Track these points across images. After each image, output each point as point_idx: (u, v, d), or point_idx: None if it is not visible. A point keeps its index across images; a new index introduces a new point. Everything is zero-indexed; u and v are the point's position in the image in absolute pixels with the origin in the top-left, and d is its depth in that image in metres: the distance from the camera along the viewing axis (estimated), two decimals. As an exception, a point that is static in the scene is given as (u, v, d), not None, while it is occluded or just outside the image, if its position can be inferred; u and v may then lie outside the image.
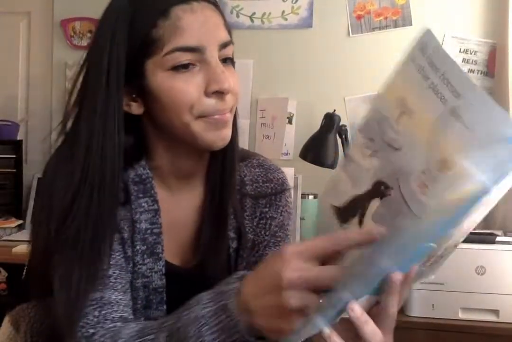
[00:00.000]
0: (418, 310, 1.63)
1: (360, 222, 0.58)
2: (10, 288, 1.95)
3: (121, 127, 0.75)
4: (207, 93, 0.74)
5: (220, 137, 0.76)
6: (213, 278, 0.81)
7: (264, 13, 2.30)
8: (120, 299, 0.74)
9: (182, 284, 0.82)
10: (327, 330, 0.53)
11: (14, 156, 2.33)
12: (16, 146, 2.35)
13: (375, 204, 0.55)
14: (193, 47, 0.72)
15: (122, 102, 0.75)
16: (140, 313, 0.79)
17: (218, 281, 0.82)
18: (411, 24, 2.19)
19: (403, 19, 2.20)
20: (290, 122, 2.28)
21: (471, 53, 2.15)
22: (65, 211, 0.73)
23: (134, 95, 0.77)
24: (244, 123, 2.29)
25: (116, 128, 0.74)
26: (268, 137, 2.30)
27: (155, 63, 0.73)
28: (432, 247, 0.50)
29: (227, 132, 0.77)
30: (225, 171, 0.84)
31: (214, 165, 0.85)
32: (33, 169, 2.39)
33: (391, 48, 2.20)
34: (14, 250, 1.95)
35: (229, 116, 0.77)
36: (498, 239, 1.70)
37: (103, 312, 0.72)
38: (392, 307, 0.54)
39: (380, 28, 2.22)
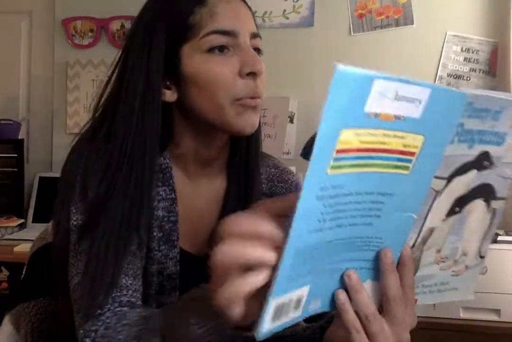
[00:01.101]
0: (419, 310, 1.62)
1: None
2: (11, 287, 1.95)
3: (159, 113, 0.78)
4: (241, 75, 0.76)
5: (250, 123, 0.78)
6: None
7: (266, 12, 2.30)
8: (130, 284, 0.74)
9: (196, 271, 0.82)
10: (342, 295, 0.52)
11: (16, 155, 2.33)
12: (18, 145, 2.35)
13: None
14: (228, 31, 0.76)
15: (161, 89, 0.78)
16: (153, 298, 0.80)
17: None
18: (412, 23, 2.19)
19: (404, 18, 2.20)
20: (291, 121, 2.28)
21: (472, 52, 2.15)
22: (105, 189, 0.75)
23: (168, 83, 0.79)
24: (245, 123, 2.29)
25: (155, 113, 0.77)
26: (269, 136, 2.30)
27: (191, 47, 0.77)
28: (413, 217, 0.53)
29: (256, 118, 0.79)
30: (249, 159, 0.86)
31: (236, 154, 0.86)
32: (34, 169, 2.40)
33: (392, 47, 2.19)
34: (16, 249, 1.95)
35: (258, 103, 0.79)
36: (499, 238, 1.70)
37: (113, 295, 0.72)
38: (390, 289, 0.54)
39: (381, 27, 2.22)
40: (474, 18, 2.14)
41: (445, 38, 2.16)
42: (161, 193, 0.82)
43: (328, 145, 0.44)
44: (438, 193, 0.54)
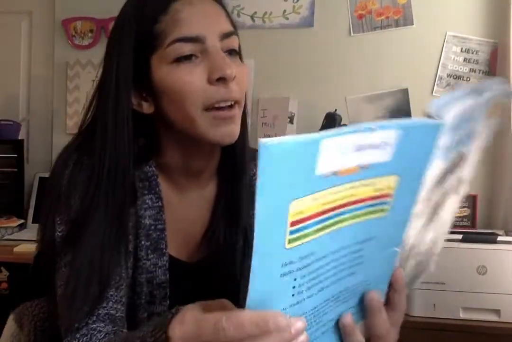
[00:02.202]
0: (419, 310, 1.63)
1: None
2: (11, 287, 1.95)
3: (130, 125, 0.76)
4: (210, 81, 0.74)
5: (226, 133, 0.75)
6: (218, 274, 0.82)
7: (265, 13, 2.30)
8: (111, 295, 0.74)
9: (187, 279, 0.83)
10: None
11: (16, 155, 2.33)
12: (18, 145, 2.35)
13: None
14: (192, 37, 0.74)
15: (131, 101, 0.77)
16: (144, 308, 0.80)
17: (223, 277, 0.82)
18: (412, 24, 2.19)
19: (404, 19, 2.20)
20: (291, 122, 2.28)
21: (472, 53, 2.15)
22: (87, 203, 0.75)
23: (144, 94, 0.78)
24: (245, 123, 2.29)
25: (126, 126, 0.76)
26: (269, 137, 2.29)
27: (159, 57, 0.75)
28: (396, 250, 0.53)
29: (234, 128, 0.76)
30: (236, 169, 0.85)
31: (225, 163, 0.85)
32: (34, 169, 2.40)
33: (392, 47, 2.19)
34: (16, 249, 1.95)
35: (235, 112, 0.76)
36: (499, 238, 1.70)
37: (90, 305, 0.72)
38: (380, 327, 0.57)
39: (381, 27, 2.22)
40: (474, 18, 2.14)
41: (445, 39, 2.17)
42: (147, 201, 0.81)
43: (275, 223, 0.42)
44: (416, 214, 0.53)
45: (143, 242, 0.80)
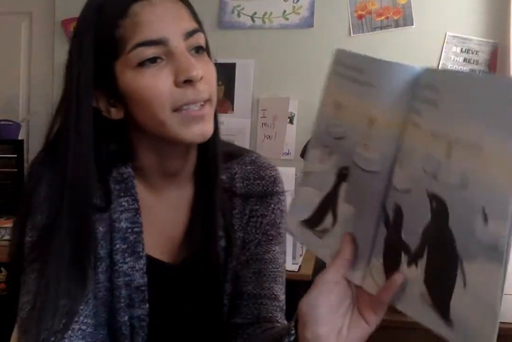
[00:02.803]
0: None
1: (334, 215, 0.63)
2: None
3: (91, 136, 0.75)
4: (177, 84, 0.72)
5: (198, 132, 0.74)
6: (200, 276, 0.81)
7: (265, 13, 2.30)
8: (81, 309, 0.74)
9: (168, 282, 0.82)
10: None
11: (15, 156, 2.34)
12: (18, 146, 2.36)
13: (343, 189, 0.62)
14: (154, 40, 0.71)
15: (91, 108, 0.75)
16: (124, 311, 0.79)
17: (206, 278, 0.81)
18: (412, 24, 2.19)
19: (404, 19, 2.20)
20: (291, 122, 2.28)
21: (472, 53, 2.15)
22: (50, 218, 0.74)
23: (112, 101, 0.76)
24: (245, 123, 2.29)
25: (87, 137, 0.75)
26: (269, 137, 2.30)
27: (122, 63, 0.73)
28: None
29: (206, 127, 0.74)
30: (208, 168, 0.83)
31: (200, 163, 0.84)
32: (34, 169, 2.40)
33: (392, 48, 2.20)
34: (16, 249, 1.95)
35: (206, 111, 0.74)
36: (499, 239, 1.70)
37: (63, 321, 0.72)
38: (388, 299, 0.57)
39: (381, 28, 2.22)
40: (474, 19, 2.14)
41: (444, 39, 2.17)
42: (123, 203, 0.80)
43: None
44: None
45: (118, 246, 0.79)
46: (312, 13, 2.27)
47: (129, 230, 0.80)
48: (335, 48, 0.68)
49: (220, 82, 2.33)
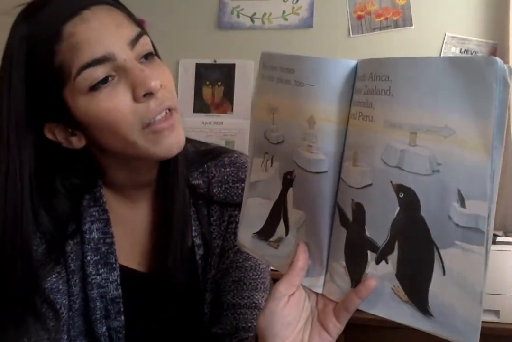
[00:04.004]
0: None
1: (286, 223, 0.61)
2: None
3: (27, 183, 0.71)
4: (137, 99, 0.66)
5: (173, 143, 0.70)
6: (177, 285, 0.79)
7: (265, 14, 2.30)
8: (52, 326, 0.73)
9: (144, 292, 0.81)
10: None
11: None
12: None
13: (290, 195, 0.60)
14: (99, 58, 0.65)
15: (27, 153, 0.71)
16: (101, 323, 0.78)
17: (182, 288, 0.79)
18: (411, 25, 2.19)
19: (403, 20, 2.20)
20: (290, 122, 2.28)
21: (471, 54, 2.15)
22: None
23: (70, 130, 0.71)
24: (245, 124, 2.29)
25: (21, 187, 0.71)
26: (268, 137, 2.30)
27: (71, 91, 0.67)
28: None
29: (179, 136, 0.70)
30: (171, 176, 0.79)
31: (162, 171, 0.80)
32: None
33: (391, 48, 2.20)
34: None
35: (174, 119, 0.70)
36: (498, 239, 1.70)
37: (33, 339, 0.71)
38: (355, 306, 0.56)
39: (380, 28, 2.22)
40: (473, 19, 2.15)
41: (444, 40, 2.17)
42: (94, 213, 0.78)
43: None
44: None
45: (88, 258, 0.77)
46: (311, 14, 2.27)
47: (101, 241, 0.78)
48: (261, 52, 0.65)
49: (219, 83, 2.34)
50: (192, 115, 2.32)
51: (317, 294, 0.60)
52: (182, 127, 0.71)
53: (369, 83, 0.51)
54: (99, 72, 0.65)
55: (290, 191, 0.60)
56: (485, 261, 0.46)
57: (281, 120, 0.60)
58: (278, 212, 0.62)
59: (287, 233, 0.61)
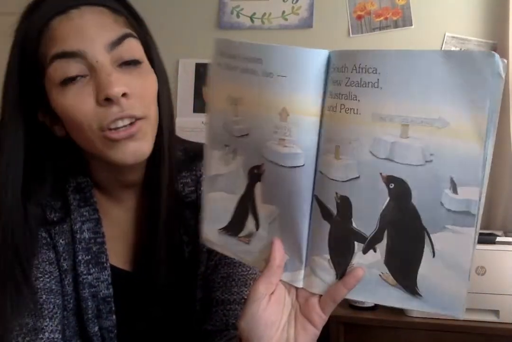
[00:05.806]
0: (418, 311, 1.62)
1: (255, 218, 0.60)
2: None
3: (21, 166, 0.73)
4: (99, 103, 0.67)
5: (128, 152, 0.69)
6: (168, 284, 0.79)
7: (265, 14, 2.30)
8: (46, 325, 0.73)
9: (134, 292, 0.81)
10: None
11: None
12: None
13: (258, 189, 0.58)
14: (68, 52, 0.67)
15: (21, 134, 0.73)
16: (93, 322, 0.78)
17: (172, 287, 0.79)
18: (411, 25, 2.19)
19: (403, 20, 2.20)
20: (290, 122, 2.28)
21: (471, 54, 2.16)
22: None
23: (53, 118, 0.74)
24: (244, 124, 2.29)
25: (16, 169, 0.73)
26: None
27: (48, 81, 0.70)
28: None
29: (138, 146, 0.70)
30: (160, 178, 0.78)
31: (150, 172, 0.80)
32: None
33: (391, 48, 2.20)
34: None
35: (137, 129, 0.69)
36: (498, 239, 1.70)
37: (27, 338, 0.72)
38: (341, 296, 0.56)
39: (380, 28, 2.22)
40: (473, 19, 2.15)
41: (443, 40, 2.17)
42: (84, 213, 0.79)
43: None
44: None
45: (80, 258, 0.78)
46: (311, 14, 2.27)
47: (92, 241, 0.78)
48: (215, 38, 0.65)
49: (219, 83, 2.34)
50: (192, 115, 2.31)
51: (296, 288, 0.59)
52: (149, 138, 0.71)
53: (352, 75, 0.50)
54: (71, 67, 0.67)
55: (258, 186, 0.58)
56: (474, 241, 0.49)
57: (246, 112, 0.57)
58: (245, 207, 0.61)
59: (257, 228, 0.60)
